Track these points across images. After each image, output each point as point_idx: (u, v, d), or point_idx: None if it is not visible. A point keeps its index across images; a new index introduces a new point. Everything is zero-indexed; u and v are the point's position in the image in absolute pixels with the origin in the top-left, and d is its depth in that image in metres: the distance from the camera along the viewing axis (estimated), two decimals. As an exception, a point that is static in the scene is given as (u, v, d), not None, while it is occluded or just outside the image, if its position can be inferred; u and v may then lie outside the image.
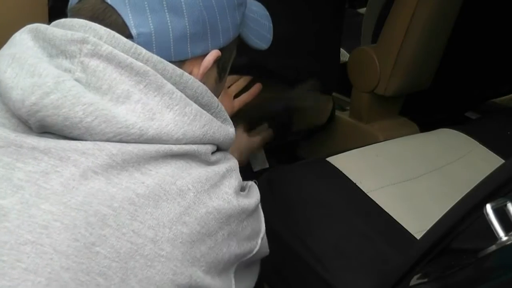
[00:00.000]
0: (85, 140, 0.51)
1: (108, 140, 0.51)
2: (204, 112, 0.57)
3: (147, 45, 0.55)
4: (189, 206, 0.53)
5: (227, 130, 0.60)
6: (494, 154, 1.07)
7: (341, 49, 1.43)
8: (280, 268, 0.76)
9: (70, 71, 0.52)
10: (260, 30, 0.73)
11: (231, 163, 0.61)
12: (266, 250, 0.68)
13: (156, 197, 0.51)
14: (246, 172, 0.73)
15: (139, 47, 0.54)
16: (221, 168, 0.58)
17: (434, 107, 1.58)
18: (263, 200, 0.66)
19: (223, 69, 0.66)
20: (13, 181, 0.48)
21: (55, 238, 0.47)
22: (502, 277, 0.49)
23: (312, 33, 1.27)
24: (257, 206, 0.63)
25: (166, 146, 0.53)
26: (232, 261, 0.59)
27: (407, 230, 0.87)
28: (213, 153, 0.59)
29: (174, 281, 0.52)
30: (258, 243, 0.63)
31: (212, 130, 0.57)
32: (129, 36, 0.55)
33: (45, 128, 0.51)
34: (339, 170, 0.99)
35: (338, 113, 1.49)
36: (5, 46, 0.56)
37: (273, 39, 0.79)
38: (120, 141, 0.51)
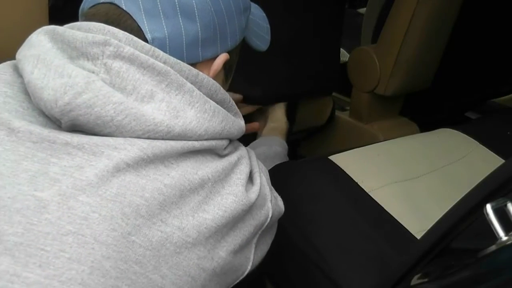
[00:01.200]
0: (116, 137, 0.53)
1: (137, 137, 0.53)
2: (220, 107, 0.59)
3: (161, 49, 0.56)
4: (207, 196, 0.56)
5: (239, 123, 0.63)
6: (494, 154, 1.07)
7: (341, 49, 1.43)
8: (282, 263, 0.76)
9: (93, 73, 0.53)
10: (260, 32, 0.75)
11: (241, 152, 0.63)
12: (280, 210, 0.69)
13: (182, 186, 0.53)
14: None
15: (156, 49, 0.56)
16: (233, 157, 0.61)
17: (434, 107, 1.58)
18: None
19: (229, 70, 0.69)
20: (49, 174, 0.50)
21: (95, 228, 0.48)
22: (502, 277, 0.49)
23: (312, 33, 1.27)
24: (258, 178, 0.65)
25: (190, 142, 0.55)
26: (253, 232, 0.62)
27: (407, 230, 0.87)
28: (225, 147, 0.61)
29: (199, 265, 0.54)
30: (269, 206, 0.65)
31: (228, 125, 0.60)
32: (144, 40, 0.56)
33: (76, 127, 0.53)
34: (341, 168, 0.99)
35: (338, 113, 1.49)
36: (23, 47, 0.57)
37: (274, 39, 0.80)
38: (149, 138, 0.53)
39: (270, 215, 0.65)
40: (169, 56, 0.56)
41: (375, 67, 1.30)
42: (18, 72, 0.57)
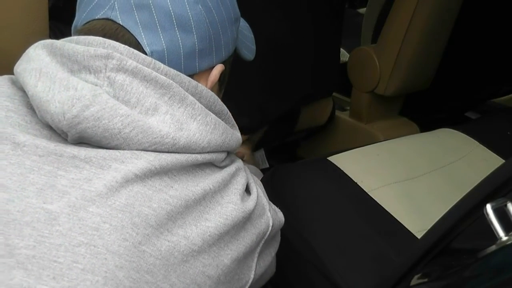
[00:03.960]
0: (122, 150, 0.53)
1: (144, 149, 0.53)
2: (220, 120, 0.60)
3: (160, 62, 0.57)
4: (207, 205, 0.56)
5: (237, 135, 0.63)
6: (494, 154, 1.07)
7: (341, 49, 1.43)
8: (280, 265, 0.76)
9: (96, 85, 0.53)
10: (246, 42, 0.76)
11: (238, 163, 0.64)
12: (281, 220, 0.70)
13: (186, 197, 0.54)
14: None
15: (157, 62, 0.56)
16: (232, 168, 0.62)
17: (434, 107, 1.59)
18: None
19: (223, 81, 0.69)
20: (57, 187, 0.50)
21: (106, 239, 0.48)
22: (502, 277, 0.49)
23: (311, 33, 1.27)
24: (255, 188, 0.65)
25: (193, 155, 0.56)
26: (255, 241, 0.62)
27: (408, 229, 0.87)
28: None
29: (205, 273, 0.55)
30: (269, 216, 0.65)
31: (228, 137, 0.60)
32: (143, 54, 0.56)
33: (83, 140, 0.53)
34: (340, 169, 0.99)
35: (338, 113, 1.49)
36: (21, 61, 0.57)
37: (274, 40, 0.80)
38: (155, 150, 0.54)
39: (271, 224, 0.65)
40: (169, 68, 0.56)
41: (375, 67, 1.30)
42: (16, 85, 0.57)
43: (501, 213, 0.49)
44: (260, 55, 0.80)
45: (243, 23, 0.76)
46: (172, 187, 0.53)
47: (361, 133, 1.42)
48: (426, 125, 1.34)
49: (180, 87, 0.56)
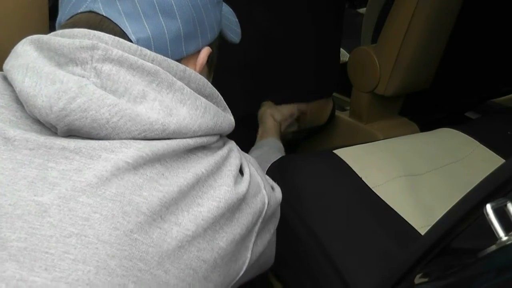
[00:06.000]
0: (112, 139, 0.53)
1: (133, 138, 0.54)
2: (211, 103, 0.60)
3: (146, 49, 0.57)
4: (200, 190, 0.56)
5: (229, 118, 0.63)
6: (495, 154, 1.07)
7: (341, 49, 1.43)
8: (285, 255, 0.76)
9: (84, 77, 0.53)
10: (231, 25, 0.77)
11: (230, 145, 0.64)
12: (276, 198, 0.70)
13: (179, 183, 0.54)
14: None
15: (143, 49, 0.56)
16: (224, 151, 0.62)
17: (434, 107, 1.59)
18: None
19: (211, 64, 0.70)
20: (48, 179, 0.50)
21: (97, 228, 0.48)
22: (502, 277, 0.49)
23: (312, 33, 1.28)
24: (247, 167, 0.65)
25: (184, 140, 0.56)
26: (251, 220, 0.62)
27: (411, 225, 0.87)
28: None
29: (200, 257, 0.55)
30: (264, 194, 0.65)
31: (220, 120, 0.60)
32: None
33: (72, 132, 0.53)
34: (345, 163, 0.99)
35: (338, 113, 1.49)
36: (10, 58, 0.58)
37: (274, 40, 0.80)
38: (145, 138, 0.54)
39: (266, 202, 0.65)
40: (156, 54, 0.57)
41: (375, 67, 1.30)
42: (6, 82, 0.57)
43: (501, 213, 0.49)
44: (260, 55, 0.80)
45: (226, 8, 0.77)
46: (163, 174, 0.54)
47: (361, 133, 1.42)
48: (426, 125, 1.34)
49: (168, 73, 0.56)
